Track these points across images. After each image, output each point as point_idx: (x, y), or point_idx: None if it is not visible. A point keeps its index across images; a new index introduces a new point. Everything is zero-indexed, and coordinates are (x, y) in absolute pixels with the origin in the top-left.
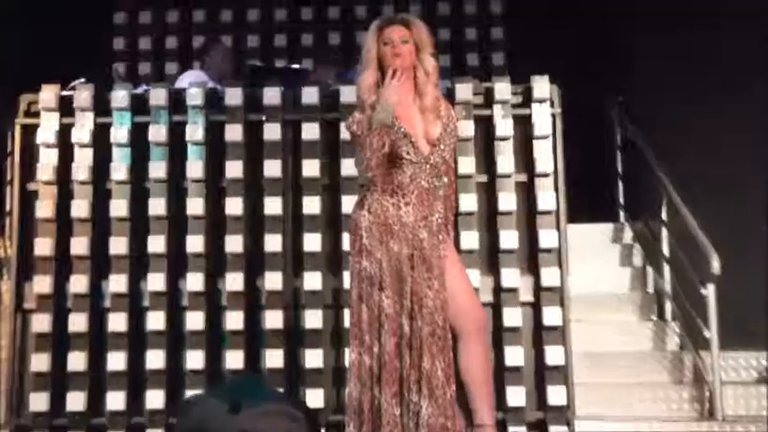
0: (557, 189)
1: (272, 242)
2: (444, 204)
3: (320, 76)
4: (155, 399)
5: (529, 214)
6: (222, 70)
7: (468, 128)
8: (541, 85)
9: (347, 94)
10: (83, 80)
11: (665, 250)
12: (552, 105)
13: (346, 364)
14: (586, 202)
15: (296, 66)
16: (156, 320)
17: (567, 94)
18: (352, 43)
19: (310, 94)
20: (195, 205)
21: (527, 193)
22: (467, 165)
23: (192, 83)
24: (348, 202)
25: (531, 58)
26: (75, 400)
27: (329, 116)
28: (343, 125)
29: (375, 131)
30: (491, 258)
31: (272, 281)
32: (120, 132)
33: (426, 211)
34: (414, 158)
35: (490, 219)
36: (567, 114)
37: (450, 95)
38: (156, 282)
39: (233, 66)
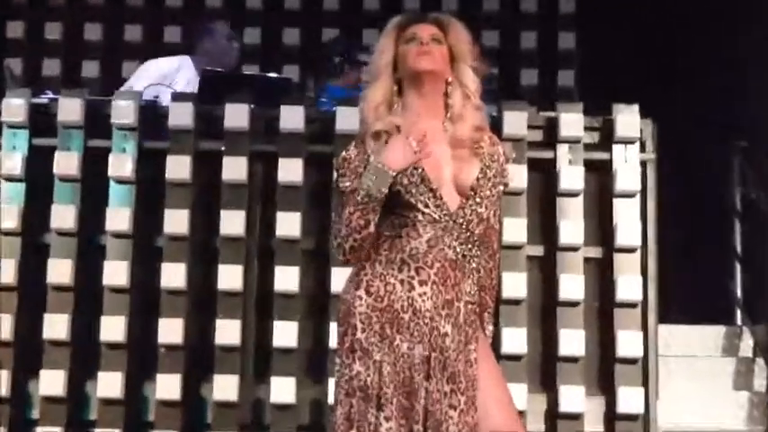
0: (645, 272)
1: (227, 331)
2: (479, 284)
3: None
4: None
5: (603, 307)
6: (225, 61)
7: (519, 176)
8: (628, 119)
9: (347, 117)
10: None
11: None
12: (643, 148)
13: None
14: (688, 292)
15: (273, 74)
16: None
17: (663, 134)
18: (358, 45)
19: (292, 116)
20: (116, 272)
21: (602, 275)
22: (515, 229)
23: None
24: (339, 277)
25: (612, 79)
26: None
27: (318, 149)
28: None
29: (359, 204)
30: (545, 368)
31: (224, 387)
32: (10, 160)
33: (452, 293)
34: (435, 214)
35: (546, 310)
36: (662, 163)
37: (495, 127)
38: (52, 382)
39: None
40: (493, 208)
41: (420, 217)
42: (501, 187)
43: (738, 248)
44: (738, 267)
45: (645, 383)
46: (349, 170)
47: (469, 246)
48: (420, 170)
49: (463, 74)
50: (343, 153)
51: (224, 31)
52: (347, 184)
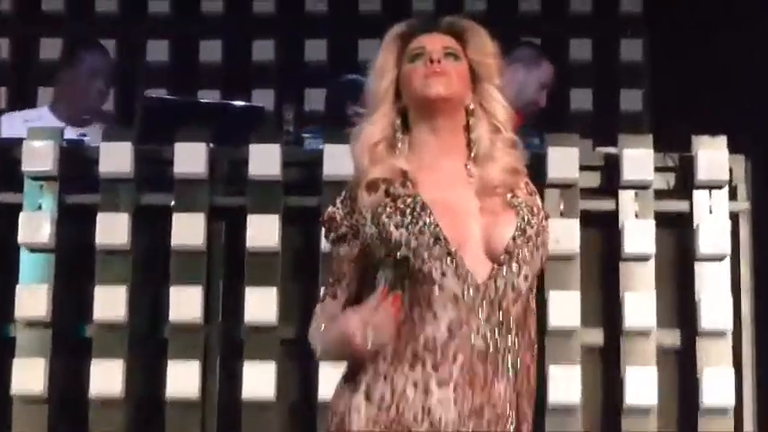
0: (739, 364)
1: None
2: (515, 385)
3: None
4: None
5: (684, 411)
6: (82, 105)
7: (568, 234)
8: (714, 155)
9: (337, 159)
10: None
11: None
12: (734, 195)
13: None
14: None
15: (239, 102)
16: None
17: (761, 175)
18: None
19: (265, 158)
20: (29, 373)
21: (682, 369)
22: (565, 307)
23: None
24: (330, 377)
25: (692, 101)
26: None
27: (300, 201)
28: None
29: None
30: None
31: None
32: None
33: (481, 397)
34: (457, 288)
35: (609, 416)
36: (760, 214)
37: (535, 170)
38: None
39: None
40: (533, 277)
41: (436, 292)
42: (543, 251)
43: None
44: None
45: None
46: (336, 235)
47: (504, 331)
48: (433, 226)
49: (489, 98)
50: (329, 209)
51: (91, 64)
52: (337, 251)
